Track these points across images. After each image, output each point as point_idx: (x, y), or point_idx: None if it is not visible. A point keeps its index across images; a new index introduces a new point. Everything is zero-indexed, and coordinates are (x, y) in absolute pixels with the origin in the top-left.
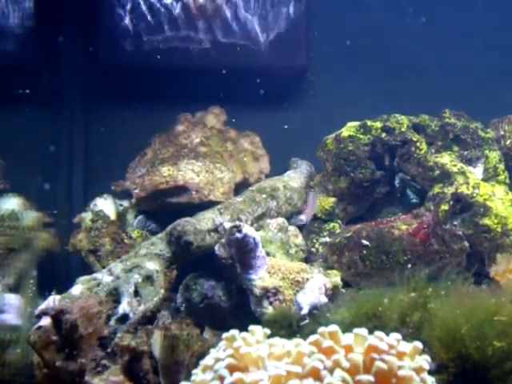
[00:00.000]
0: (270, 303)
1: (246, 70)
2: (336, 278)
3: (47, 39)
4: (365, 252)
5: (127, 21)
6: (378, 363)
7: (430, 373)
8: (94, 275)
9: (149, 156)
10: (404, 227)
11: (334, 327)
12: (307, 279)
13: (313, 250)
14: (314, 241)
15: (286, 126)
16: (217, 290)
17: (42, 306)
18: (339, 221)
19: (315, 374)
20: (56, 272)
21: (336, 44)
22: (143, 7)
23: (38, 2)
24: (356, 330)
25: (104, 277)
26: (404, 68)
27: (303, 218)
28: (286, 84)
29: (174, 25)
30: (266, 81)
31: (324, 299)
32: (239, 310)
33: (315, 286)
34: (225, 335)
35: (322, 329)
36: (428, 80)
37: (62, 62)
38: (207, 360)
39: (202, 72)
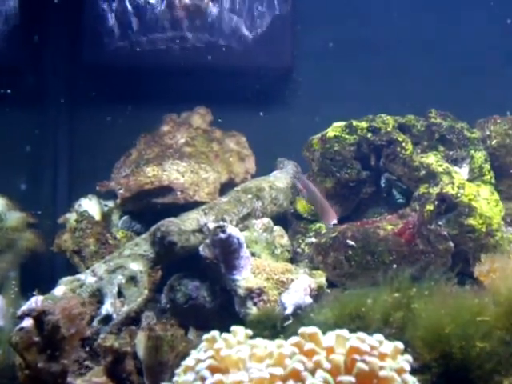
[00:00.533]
0: (254, 304)
1: (232, 70)
2: (321, 278)
3: (31, 39)
4: (350, 252)
5: (112, 20)
6: (360, 364)
7: (413, 373)
8: (77, 276)
9: (134, 156)
10: (389, 227)
11: (313, 329)
12: (292, 280)
13: (299, 250)
14: (300, 241)
15: (272, 127)
16: (201, 290)
17: (25, 307)
18: None
19: (296, 375)
20: (41, 273)
21: (321, 44)
22: (128, 7)
23: (21, 2)
24: (337, 331)
25: (87, 277)
26: (390, 68)
27: (331, 222)
28: (272, 84)
29: (158, 24)
30: (252, 81)
31: (309, 300)
32: (224, 310)
33: (300, 287)
34: (205, 336)
35: (302, 330)
36: (414, 80)
37: (46, 62)
38: (188, 361)
39: (187, 72)
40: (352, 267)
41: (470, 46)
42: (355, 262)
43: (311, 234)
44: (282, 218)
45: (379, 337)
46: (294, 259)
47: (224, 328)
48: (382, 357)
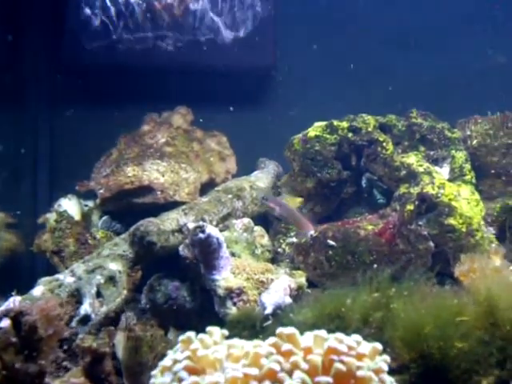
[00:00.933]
0: (234, 304)
1: (213, 70)
2: (301, 278)
3: (11, 39)
4: (331, 252)
5: (92, 20)
6: (337, 365)
7: (392, 373)
8: (56, 276)
9: (114, 156)
10: (370, 227)
11: (291, 329)
12: (272, 280)
13: (279, 250)
14: (281, 241)
15: (254, 127)
16: (181, 290)
17: (2, 307)
18: None
19: (272, 375)
20: (21, 273)
21: (303, 44)
22: (109, 6)
23: (1, 1)
24: (315, 332)
25: (66, 278)
26: (372, 68)
27: (309, 233)
28: (254, 84)
29: (139, 24)
30: (234, 81)
31: (288, 300)
32: (204, 310)
33: (280, 287)
34: (181, 337)
35: (280, 330)
36: (395, 80)
37: (26, 62)
38: (165, 361)
39: (168, 72)
40: (332, 267)
41: (450, 46)
42: (336, 262)
43: (292, 234)
44: (263, 218)
45: (357, 337)
46: (274, 259)
47: (204, 328)
48: (360, 357)
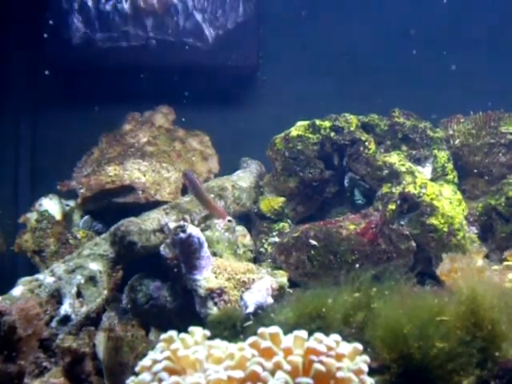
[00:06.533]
0: (215, 304)
1: (196, 69)
2: (282, 278)
3: None
4: (313, 252)
5: (74, 19)
6: (317, 365)
7: (373, 373)
8: (36, 276)
9: (95, 155)
10: (352, 227)
11: (274, 329)
12: (254, 279)
13: (262, 250)
14: (264, 241)
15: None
16: (162, 290)
17: None
18: (289, 220)
19: (255, 377)
20: (2, 273)
21: (286, 43)
22: (90, 5)
23: None
24: (296, 332)
25: (46, 278)
26: (355, 67)
27: (220, 221)
28: (236, 83)
29: (122, 23)
30: (216, 80)
31: (271, 300)
32: (185, 310)
33: (263, 287)
34: (162, 336)
35: (261, 330)
36: (378, 79)
37: (8, 61)
38: (145, 361)
39: (151, 71)
40: (314, 267)
41: (432, 45)
42: (317, 262)
43: (274, 233)
44: (245, 218)
45: (336, 337)
46: (257, 259)
47: (185, 328)
48: (339, 357)
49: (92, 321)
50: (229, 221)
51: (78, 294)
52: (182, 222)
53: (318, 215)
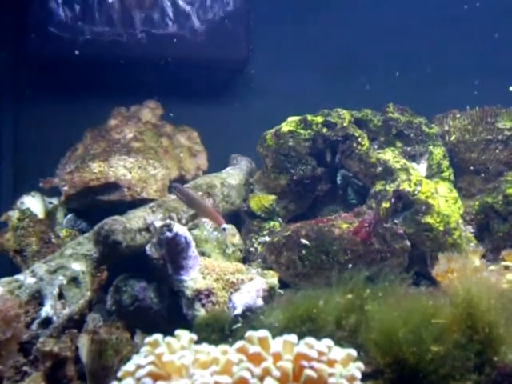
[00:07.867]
0: (203, 305)
1: (185, 63)
2: (273, 278)
3: None
4: (304, 252)
5: (59, 11)
6: (308, 371)
7: (366, 378)
8: (16, 276)
9: (79, 151)
10: (345, 226)
11: (263, 332)
12: (243, 280)
13: (252, 249)
14: (254, 240)
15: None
16: (148, 291)
17: None
18: (280, 219)
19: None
20: None
21: (277, 37)
22: None
23: None
24: (285, 337)
25: (26, 278)
26: (347, 61)
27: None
28: (226, 77)
29: (109, 16)
30: (206, 74)
31: (260, 302)
32: (172, 312)
33: (253, 288)
34: (147, 340)
35: (249, 333)
36: (372, 74)
37: None
38: (128, 366)
39: (138, 64)
40: (306, 267)
41: (428, 40)
42: (309, 262)
43: (265, 232)
44: (235, 216)
45: (328, 342)
46: (246, 259)
47: (172, 331)
48: (331, 363)
49: (74, 323)
50: (223, 229)
51: (60, 296)
52: (168, 221)
53: (309, 213)
